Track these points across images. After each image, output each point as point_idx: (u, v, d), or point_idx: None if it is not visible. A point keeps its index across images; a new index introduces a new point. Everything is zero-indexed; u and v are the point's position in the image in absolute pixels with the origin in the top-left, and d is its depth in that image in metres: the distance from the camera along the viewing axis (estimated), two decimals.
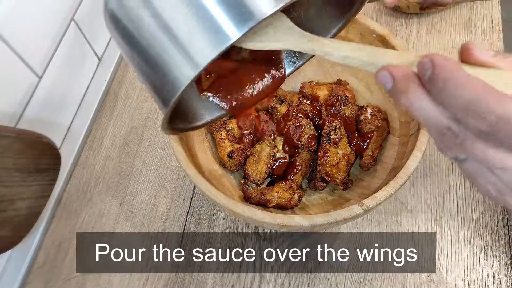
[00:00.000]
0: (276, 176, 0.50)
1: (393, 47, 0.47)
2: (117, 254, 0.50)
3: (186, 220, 0.52)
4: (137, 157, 0.58)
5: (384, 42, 0.48)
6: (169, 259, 0.50)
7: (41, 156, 0.43)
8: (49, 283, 0.49)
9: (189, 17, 0.25)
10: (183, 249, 0.50)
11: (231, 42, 0.24)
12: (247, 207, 0.37)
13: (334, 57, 0.27)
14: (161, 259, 0.50)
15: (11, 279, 0.48)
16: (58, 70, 0.51)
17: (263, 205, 0.46)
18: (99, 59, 0.61)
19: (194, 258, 0.49)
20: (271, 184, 0.49)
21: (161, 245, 0.51)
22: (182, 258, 0.50)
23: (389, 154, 0.48)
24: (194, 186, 0.54)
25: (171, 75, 0.26)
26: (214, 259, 0.49)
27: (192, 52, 0.25)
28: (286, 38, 0.30)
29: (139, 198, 0.54)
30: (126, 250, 0.50)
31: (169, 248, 0.50)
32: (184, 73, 0.25)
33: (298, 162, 0.49)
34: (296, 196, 0.46)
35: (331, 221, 0.36)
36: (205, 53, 0.25)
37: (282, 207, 0.46)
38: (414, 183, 0.52)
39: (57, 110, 0.53)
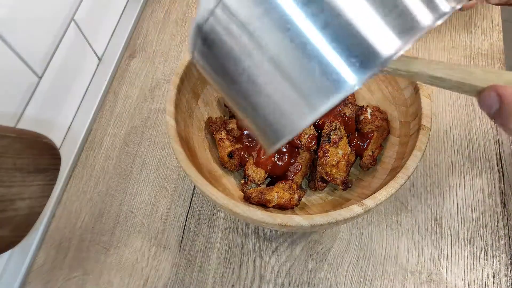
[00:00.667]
0: (276, 176, 0.50)
1: None
2: (117, 254, 0.50)
3: (186, 220, 0.52)
4: (137, 157, 0.58)
5: None
6: (169, 259, 0.50)
7: (41, 156, 0.43)
8: (49, 283, 0.49)
9: (304, 60, 0.22)
10: (183, 249, 0.50)
11: (352, 90, 0.21)
12: (247, 207, 0.37)
13: (419, 78, 0.25)
14: (161, 259, 0.50)
15: (11, 279, 0.48)
16: (58, 70, 0.51)
17: (263, 205, 0.46)
18: (99, 59, 0.62)
19: (194, 258, 0.49)
20: (271, 184, 0.49)
21: (161, 245, 0.51)
22: (182, 258, 0.50)
23: (389, 154, 0.48)
24: (194, 186, 0.54)
25: (285, 119, 0.23)
26: (214, 259, 0.49)
27: (311, 97, 0.22)
28: None
29: (139, 198, 0.54)
30: (126, 250, 0.51)
31: (169, 248, 0.50)
32: (301, 117, 0.23)
33: (298, 162, 0.49)
34: (296, 196, 0.46)
35: (331, 221, 0.36)
36: (325, 100, 0.22)
37: (282, 207, 0.46)
38: (414, 183, 0.52)
39: (57, 110, 0.53)
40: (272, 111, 0.24)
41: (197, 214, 0.52)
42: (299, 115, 0.23)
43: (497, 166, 0.53)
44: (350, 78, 0.21)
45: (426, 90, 0.43)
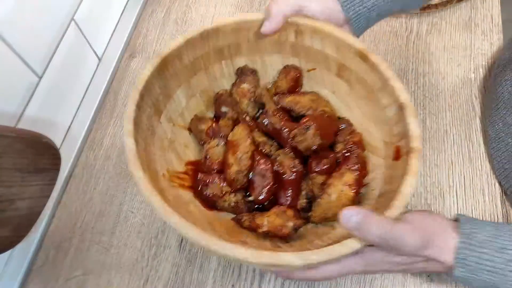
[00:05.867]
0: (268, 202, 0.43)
1: (372, 64, 0.42)
2: (117, 254, 0.50)
3: None
4: None
5: (363, 58, 0.42)
6: (169, 259, 0.50)
7: (41, 156, 0.43)
8: (49, 283, 0.49)
9: None
10: (183, 249, 0.50)
11: None
12: (224, 243, 0.31)
13: None
14: (161, 259, 0.50)
15: (11, 279, 0.48)
16: (58, 70, 0.51)
17: (254, 230, 0.41)
18: (99, 59, 0.61)
19: (194, 258, 0.49)
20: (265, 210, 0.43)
21: (161, 245, 0.51)
22: (182, 258, 0.50)
23: (375, 177, 0.42)
24: None
25: None
26: (214, 259, 0.49)
27: None
28: None
29: (139, 198, 0.54)
30: (126, 250, 0.51)
31: (169, 248, 0.50)
32: None
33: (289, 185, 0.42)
34: (290, 224, 0.39)
35: (326, 258, 0.31)
36: None
37: (273, 235, 0.40)
38: None
39: (57, 110, 0.53)
40: None
41: None
42: None
43: None
44: None
45: (413, 110, 0.38)
